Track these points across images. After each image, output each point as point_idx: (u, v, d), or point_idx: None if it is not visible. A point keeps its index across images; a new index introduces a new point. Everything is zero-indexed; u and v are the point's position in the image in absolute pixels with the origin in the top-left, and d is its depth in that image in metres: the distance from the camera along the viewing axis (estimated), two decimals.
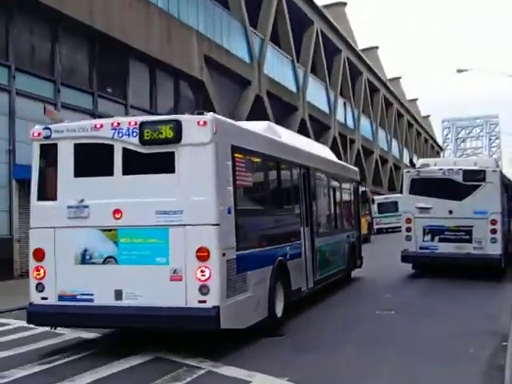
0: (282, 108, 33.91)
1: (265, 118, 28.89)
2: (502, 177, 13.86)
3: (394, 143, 64.29)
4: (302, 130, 32.39)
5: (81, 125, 6.84)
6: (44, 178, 6.88)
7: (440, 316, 8.93)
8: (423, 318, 8.85)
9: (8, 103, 15.42)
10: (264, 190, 8.24)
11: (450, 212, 12.88)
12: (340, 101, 45.20)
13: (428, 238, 13.07)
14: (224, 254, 6.33)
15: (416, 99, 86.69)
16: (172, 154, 6.36)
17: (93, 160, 6.79)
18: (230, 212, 6.55)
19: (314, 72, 40.81)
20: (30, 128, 16.16)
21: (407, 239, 13.27)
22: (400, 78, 77.34)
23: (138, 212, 6.44)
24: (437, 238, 12.99)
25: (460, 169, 13.11)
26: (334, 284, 11.56)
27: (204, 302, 6.17)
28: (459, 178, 12.92)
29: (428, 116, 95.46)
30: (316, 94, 40.00)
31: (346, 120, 45.36)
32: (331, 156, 13.16)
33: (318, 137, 38.03)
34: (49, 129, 6.82)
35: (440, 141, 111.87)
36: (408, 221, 13.28)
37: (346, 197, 13.29)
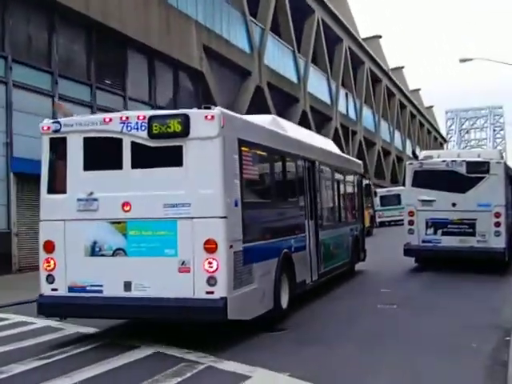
0: (283, 99, 33.69)
1: (265, 109, 28.72)
2: (507, 169, 13.70)
3: (397, 134, 64.05)
4: (303, 122, 32.18)
5: (90, 119, 7.00)
6: (54, 172, 7.01)
7: (443, 309, 8.90)
8: (426, 311, 8.82)
9: (5, 95, 15.27)
10: (269, 183, 8.36)
11: (454, 205, 12.76)
12: (342, 91, 44.93)
13: (431, 231, 12.96)
14: (231, 246, 6.45)
15: (419, 89, 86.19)
16: (180, 148, 6.48)
17: (102, 153, 6.89)
18: (236, 205, 6.68)
19: (315, 62, 40.52)
20: (27, 120, 16.17)
21: (410, 232, 13.17)
22: (403, 67, 76.82)
23: (147, 205, 6.56)
24: (440, 232, 12.90)
25: (463, 160, 12.97)
26: (338, 277, 11.60)
27: (212, 293, 6.30)
28: (463, 169, 12.79)
29: (431, 107, 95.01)
30: (317, 85, 39.76)
31: (347, 111, 45.11)
32: (335, 149, 13.21)
33: (320, 128, 37.84)
34: (58, 122, 6.95)
35: (443, 132, 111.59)
36: (410, 214, 13.17)
37: (349, 190, 13.35)
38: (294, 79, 35.73)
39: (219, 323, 6.68)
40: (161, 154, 6.58)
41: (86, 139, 6.81)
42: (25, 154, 15.46)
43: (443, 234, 12.85)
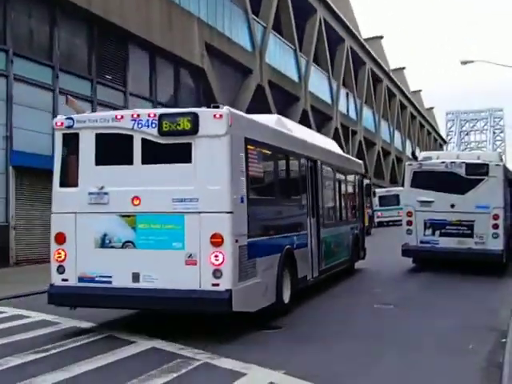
0: (284, 98, 33.67)
1: (266, 107, 28.72)
2: (506, 171, 13.71)
3: (397, 135, 64.06)
4: (304, 121, 32.15)
5: (102, 115, 7.23)
6: (66, 166, 7.22)
7: (440, 310, 8.90)
8: (423, 312, 8.82)
9: (5, 88, 15.26)
10: (274, 180, 8.56)
11: (452, 206, 12.76)
12: (342, 91, 44.92)
13: (429, 232, 12.96)
14: (237, 241, 6.65)
15: (420, 90, 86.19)
16: (189, 145, 6.69)
17: (113, 149, 7.09)
18: (242, 201, 6.89)
19: (317, 61, 40.50)
20: (27, 114, 16.14)
21: (408, 233, 13.17)
22: (404, 68, 76.83)
23: (156, 199, 6.77)
24: (438, 233, 12.90)
25: (463, 162, 12.97)
26: (337, 274, 11.72)
27: (217, 285, 6.50)
28: (462, 171, 12.78)
29: (431, 108, 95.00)
30: (318, 84, 39.74)
31: (348, 111, 45.09)
32: (337, 149, 13.39)
33: (320, 128, 37.84)
34: (71, 119, 7.15)
35: (443, 133, 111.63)
36: (409, 214, 13.17)
37: (350, 189, 13.53)
38: (295, 78, 35.71)
39: (223, 315, 6.89)
40: (170, 150, 6.78)
41: (97, 135, 7.02)
42: (24, 148, 15.47)
43: (441, 234, 12.85)
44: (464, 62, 23.79)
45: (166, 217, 6.71)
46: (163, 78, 22.28)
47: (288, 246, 8.38)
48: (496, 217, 12.53)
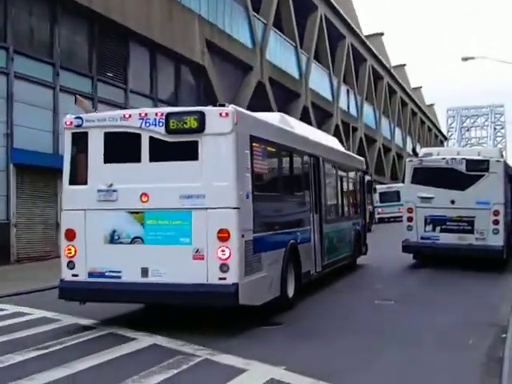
0: (285, 95, 33.63)
1: (266, 104, 28.69)
2: (506, 167, 13.69)
3: (398, 132, 63.97)
4: (304, 118, 32.12)
5: (110, 115, 7.41)
6: (75, 164, 7.37)
7: (440, 306, 8.91)
8: (424, 307, 8.84)
9: (6, 86, 15.25)
10: (278, 177, 8.71)
11: (453, 202, 12.76)
12: (343, 88, 44.84)
13: (429, 228, 12.96)
14: (243, 236, 6.82)
15: (420, 87, 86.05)
16: (196, 143, 6.85)
17: (121, 147, 7.25)
18: (248, 197, 7.05)
19: (318, 58, 40.42)
20: (28, 112, 16.13)
21: (408, 229, 13.17)
22: (404, 65, 76.67)
23: (164, 196, 6.94)
24: (438, 229, 12.90)
25: (463, 158, 12.96)
26: (340, 269, 11.83)
27: (224, 279, 6.65)
28: (462, 167, 12.78)
29: (432, 104, 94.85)
30: (319, 81, 39.68)
31: (348, 108, 45.03)
32: (339, 146, 13.55)
33: (321, 124, 37.79)
34: (80, 118, 7.31)
35: (444, 130, 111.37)
36: (409, 210, 13.18)
37: (352, 186, 13.65)
38: (296, 75, 35.66)
39: (226, 310, 7.08)
40: (177, 148, 6.94)
41: (106, 134, 7.18)
42: (25, 146, 15.48)
43: (442, 230, 12.85)
44: (465, 59, 23.76)
45: (174, 213, 6.87)
46: (164, 75, 22.26)
47: (292, 241, 8.53)
48: (496, 213, 12.53)
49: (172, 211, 6.88)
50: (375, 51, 53.67)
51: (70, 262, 7.17)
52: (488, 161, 12.80)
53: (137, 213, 7.00)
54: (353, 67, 47.50)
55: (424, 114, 79.82)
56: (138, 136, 7.02)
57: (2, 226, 14.95)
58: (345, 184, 12.79)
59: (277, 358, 5.79)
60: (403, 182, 15.99)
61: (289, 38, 34.76)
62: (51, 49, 16.93)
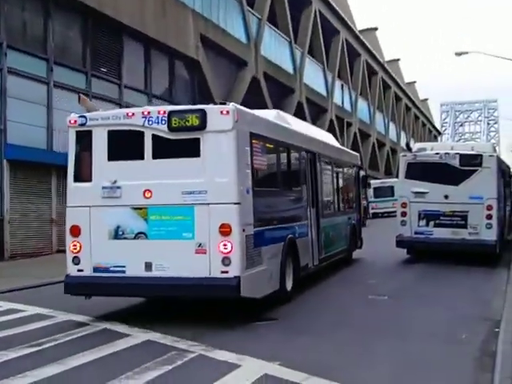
0: (279, 90, 33.59)
1: (261, 99, 28.66)
2: (499, 162, 13.75)
3: (392, 127, 64.08)
4: (299, 113, 32.13)
5: (114, 113, 7.57)
6: (80, 162, 7.52)
7: (434, 300, 8.95)
8: (417, 302, 8.87)
9: None
10: (276, 172, 8.91)
11: (446, 197, 12.81)
12: (337, 83, 44.85)
13: (423, 222, 13.01)
14: (244, 230, 6.99)
15: (414, 82, 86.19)
16: (197, 140, 7.02)
17: (125, 145, 7.41)
18: (248, 192, 7.22)
19: (312, 53, 40.38)
20: (21, 107, 16.02)
21: (402, 224, 13.22)
22: (398, 60, 76.74)
23: (167, 192, 7.10)
24: (432, 223, 12.95)
25: (457, 153, 13.00)
26: (336, 263, 12.01)
27: (226, 272, 6.84)
28: (456, 162, 12.82)
29: (426, 99, 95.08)
30: (313, 76, 39.66)
31: (343, 103, 45.08)
32: (334, 142, 13.73)
33: (315, 120, 37.80)
34: (84, 117, 7.45)
35: (438, 125, 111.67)
36: (403, 205, 13.22)
37: (347, 181, 13.85)
38: (290, 70, 35.61)
39: (231, 301, 7.28)
40: (179, 145, 7.10)
41: (110, 132, 7.33)
42: (19, 141, 15.40)
43: (435, 225, 12.90)
44: (458, 54, 23.77)
45: (177, 208, 7.03)
46: (158, 70, 22.17)
47: (290, 236, 8.69)
48: (490, 207, 12.59)
49: (175, 207, 7.03)
50: (369, 46, 53.67)
51: (75, 257, 7.31)
52: (481, 155, 12.84)
53: (140, 209, 7.14)
54: (347, 62, 47.49)
55: (418, 108, 79.97)
56: (141, 134, 7.16)
57: None
58: (340, 179, 12.96)
59: (271, 353, 5.81)
60: (397, 176, 16.05)
61: (283, 33, 34.69)
62: (45, 44, 16.82)
